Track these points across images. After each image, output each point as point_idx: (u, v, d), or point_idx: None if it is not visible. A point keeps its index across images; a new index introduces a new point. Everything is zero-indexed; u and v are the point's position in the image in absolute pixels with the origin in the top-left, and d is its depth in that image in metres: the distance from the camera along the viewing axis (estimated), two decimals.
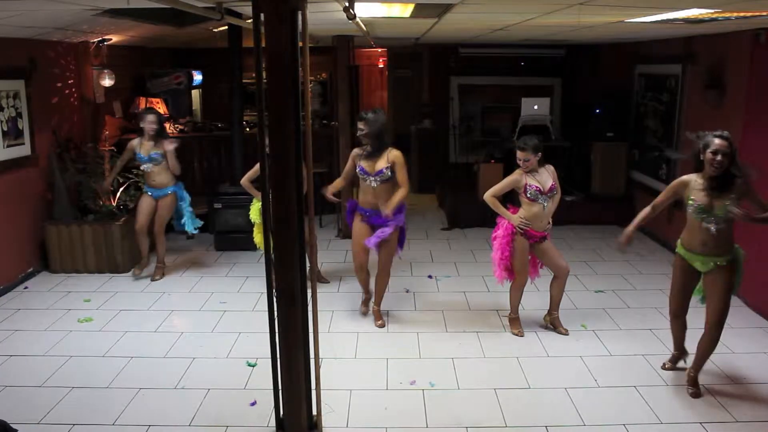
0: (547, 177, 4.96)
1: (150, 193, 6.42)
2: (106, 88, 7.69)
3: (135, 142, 6.32)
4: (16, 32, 5.86)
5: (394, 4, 4.54)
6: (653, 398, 4.22)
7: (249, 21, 5.28)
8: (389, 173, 5.05)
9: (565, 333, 5.20)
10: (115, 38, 7.40)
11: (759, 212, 3.95)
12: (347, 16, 4.31)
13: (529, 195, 4.89)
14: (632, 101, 8.65)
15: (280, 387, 3.33)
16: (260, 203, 6.12)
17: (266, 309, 3.35)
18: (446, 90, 10.68)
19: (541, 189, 4.89)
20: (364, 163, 5.14)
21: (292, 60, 2.92)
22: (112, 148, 7.03)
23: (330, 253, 7.39)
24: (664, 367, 4.58)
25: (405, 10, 4.87)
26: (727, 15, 4.53)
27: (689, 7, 4.10)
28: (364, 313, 5.60)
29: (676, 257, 4.29)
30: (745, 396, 4.18)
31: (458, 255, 7.37)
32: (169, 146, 6.23)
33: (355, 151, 5.25)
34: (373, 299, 5.53)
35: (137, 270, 6.58)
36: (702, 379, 4.28)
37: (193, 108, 10.31)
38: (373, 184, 5.11)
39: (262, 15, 2.90)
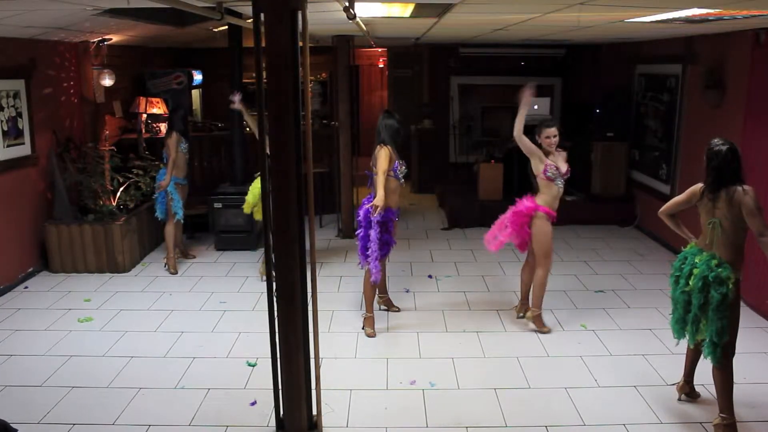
0: (561, 161, 5.10)
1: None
2: (106, 88, 7.69)
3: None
4: (16, 32, 5.86)
5: (394, 4, 4.53)
6: (653, 398, 4.22)
7: (249, 21, 5.28)
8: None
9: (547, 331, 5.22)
10: (115, 38, 7.40)
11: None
12: (347, 16, 4.30)
13: (549, 174, 4.97)
14: (632, 101, 8.65)
15: (280, 387, 3.33)
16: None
17: (266, 309, 3.35)
18: (446, 90, 10.68)
19: (560, 169, 5.02)
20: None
21: (292, 60, 2.93)
22: (112, 148, 7.03)
23: (330, 253, 7.39)
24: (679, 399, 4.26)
25: (405, 10, 4.86)
26: (728, 15, 4.53)
27: (689, 7, 4.10)
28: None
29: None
30: (745, 396, 4.17)
31: (458, 255, 7.37)
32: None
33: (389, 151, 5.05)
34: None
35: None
36: (702, 378, 4.27)
37: (193, 108, 10.30)
38: (402, 182, 5.19)
39: (262, 15, 2.91)
